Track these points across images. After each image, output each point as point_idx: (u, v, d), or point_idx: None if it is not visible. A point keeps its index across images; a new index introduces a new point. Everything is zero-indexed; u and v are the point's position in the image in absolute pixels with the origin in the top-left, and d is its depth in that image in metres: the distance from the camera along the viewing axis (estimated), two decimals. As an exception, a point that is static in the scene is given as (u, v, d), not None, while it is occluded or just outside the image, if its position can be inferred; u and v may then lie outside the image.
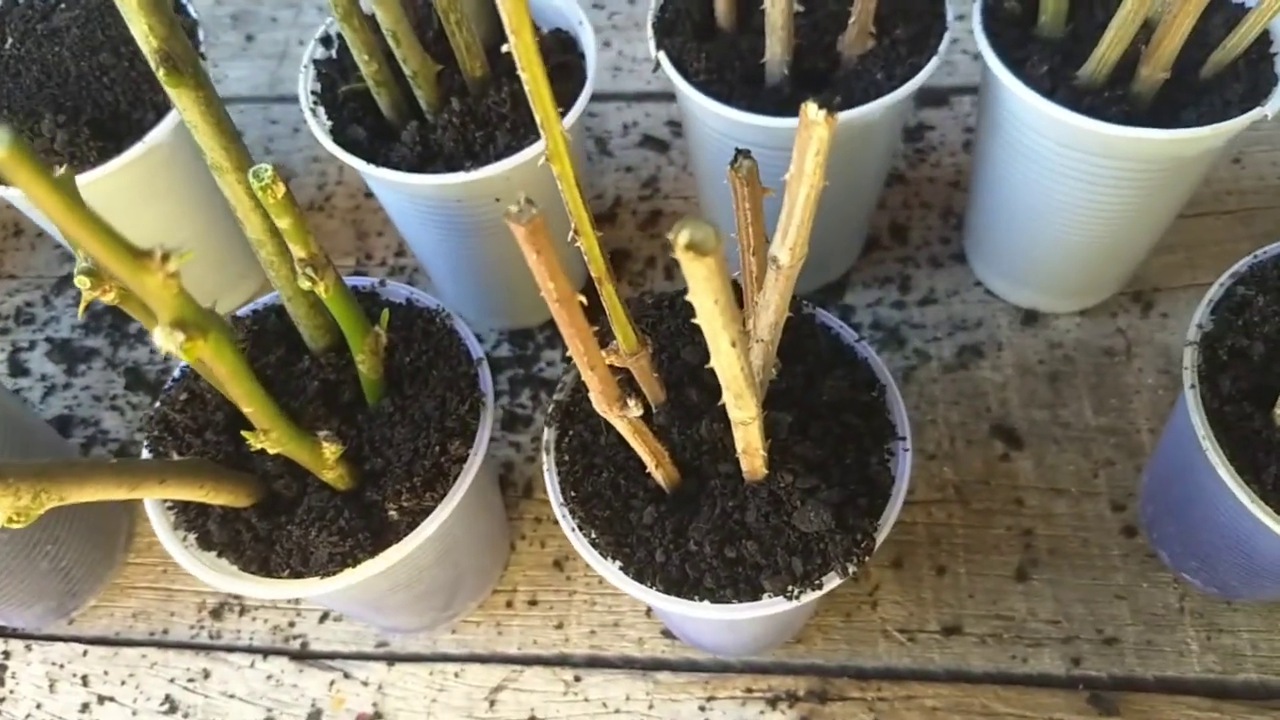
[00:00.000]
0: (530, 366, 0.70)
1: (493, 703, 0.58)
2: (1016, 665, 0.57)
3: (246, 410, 0.36)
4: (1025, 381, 0.66)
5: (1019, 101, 0.53)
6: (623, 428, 0.40)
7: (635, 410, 0.39)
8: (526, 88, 0.33)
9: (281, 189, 0.37)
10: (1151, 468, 0.60)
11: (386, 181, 0.54)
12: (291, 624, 0.63)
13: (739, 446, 0.41)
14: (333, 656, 0.61)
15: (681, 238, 0.27)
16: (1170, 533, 0.58)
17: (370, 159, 0.54)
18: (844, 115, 0.53)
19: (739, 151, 0.35)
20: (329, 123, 0.57)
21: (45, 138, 0.58)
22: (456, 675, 0.60)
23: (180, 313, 0.29)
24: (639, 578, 0.43)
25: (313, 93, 0.58)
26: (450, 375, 0.48)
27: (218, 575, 0.46)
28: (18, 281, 0.79)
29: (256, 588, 0.45)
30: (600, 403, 0.38)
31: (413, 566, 0.49)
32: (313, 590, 0.45)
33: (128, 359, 0.74)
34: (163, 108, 0.60)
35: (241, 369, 0.34)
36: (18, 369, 0.74)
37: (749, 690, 0.58)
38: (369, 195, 0.79)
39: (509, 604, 0.62)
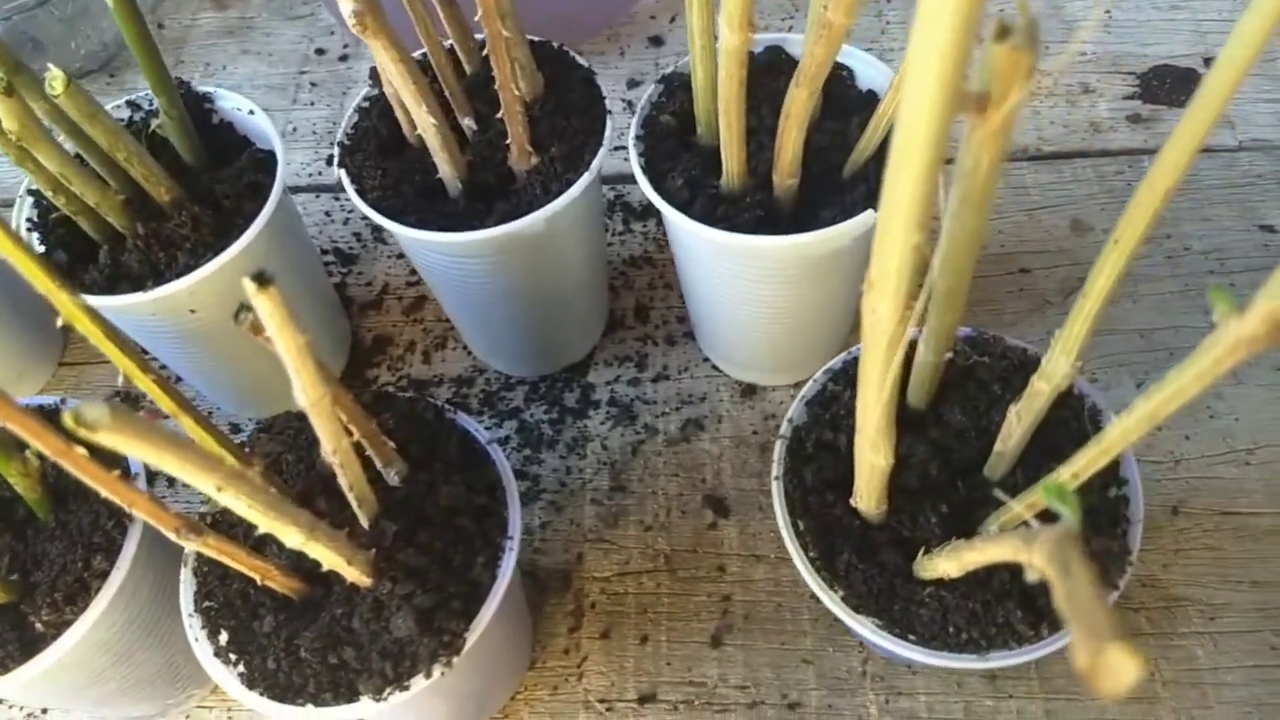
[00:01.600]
0: (290, 452, 0.74)
1: (216, 783, 0.62)
2: (703, 731, 0.61)
3: None
4: (739, 452, 0.70)
5: (662, 212, 0.57)
6: (204, 551, 0.44)
7: (203, 534, 0.43)
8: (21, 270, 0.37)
9: None
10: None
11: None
12: (45, 710, 0.66)
13: (324, 564, 0.45)
14: (77, 742, 0.65)
15: (68, 419, 0.31)
16: (842, 601, 0.61)
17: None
18: (509, 227, 0.57)
19: (241, 305, 0.39)
20: (41, 248, 0.61)
21: None
22: (186, 758, 0.63)
23: None
24: (250, 685, 0.47)
25: (29, 219, 0.62)
26: (107, 492, 0.52)
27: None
28: None
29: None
30: (167, 532, 0.42)
31: (86, 670, 0.52)
32: (-31, 700, 0.49)
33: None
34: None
35: None
36: None
37: (452, 764, 0.61)
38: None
39: (242, 686, 0.65)
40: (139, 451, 0.33)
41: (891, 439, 0.43)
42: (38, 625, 0.49)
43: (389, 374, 0.76)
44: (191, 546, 0.43)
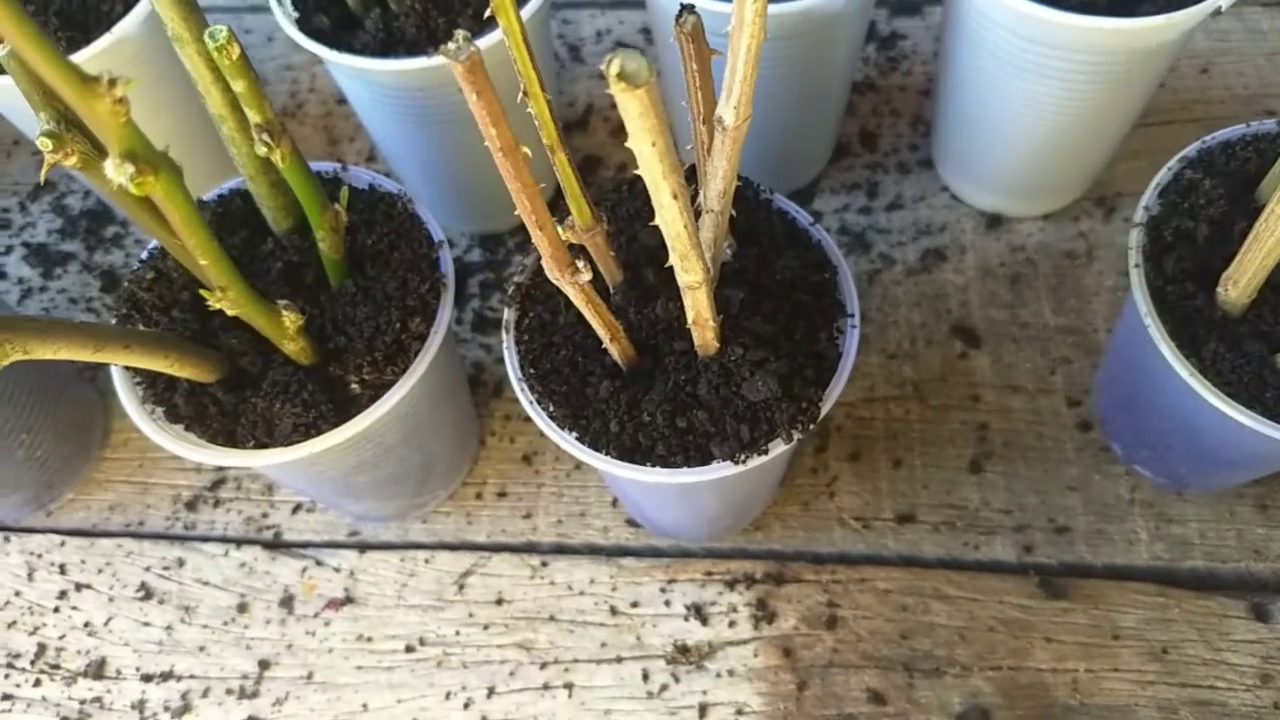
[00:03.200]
0: (501, 271, 0.71)
1: (461, 586, 0.60)
2: (968, 552, 0.59)
3: (202, 262, 0.37)
4: (986, 283, 0.67)
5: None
6: (574, 294, 0.41)
7: (585, 275, 0.40)
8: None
9: (237, 50, 0.38)
10: (1105, 361, 0.62)
11: (350, 69, 0.54)
12: (265, 515, 0.64)
13: (689, 316, 0.42)
14: (305, 545, 0.63)
15: (613, 68, 0.28)
16: (1122, 424, 0.59)
17: (334, 47, 0.54)
18: (807, 3, 0.54)
19: (684, 6, 0.36)
20: (295, 14, 0.57)
21: (11, 28, 0.58)
22: (426, 562, 0.61)
23: (131, 144, 0.30)
24: (594, 446, 0.45)
25: (279, -17, 0.58)
26: (411, 257, 0.49)
27: (186, 445, 0.47)
28: (-7, 188, 0.80)
29: (223, 456, 0.47)
30: (551, 267, 0.39)
31: (378, 445, 0.50)
32: (277, 459, 0.46)
33: (103, 263, 0.75)
34: (132, 0, 0.60)
35: (195, 217, 0.34)
36: (-6, 273, 0.75)
37: (708, 574, 0.59)
38: (340, 102, 0.80)
39: (478, 495, 0.63)
40: (643, 128, 0.30)
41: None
42: (354, 387, 0.46)
43: (602, 195, 0.73)
44: (573, 292, 0.40)
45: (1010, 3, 0.52)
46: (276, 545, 0.63)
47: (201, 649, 0.60)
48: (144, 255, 0.51)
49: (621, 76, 0.28)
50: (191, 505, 0.65)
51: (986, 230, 0.69)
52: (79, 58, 0.57)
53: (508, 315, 0.48)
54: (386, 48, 0.54)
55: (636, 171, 0.33)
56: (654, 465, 0.44)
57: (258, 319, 0.42)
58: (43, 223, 0.77)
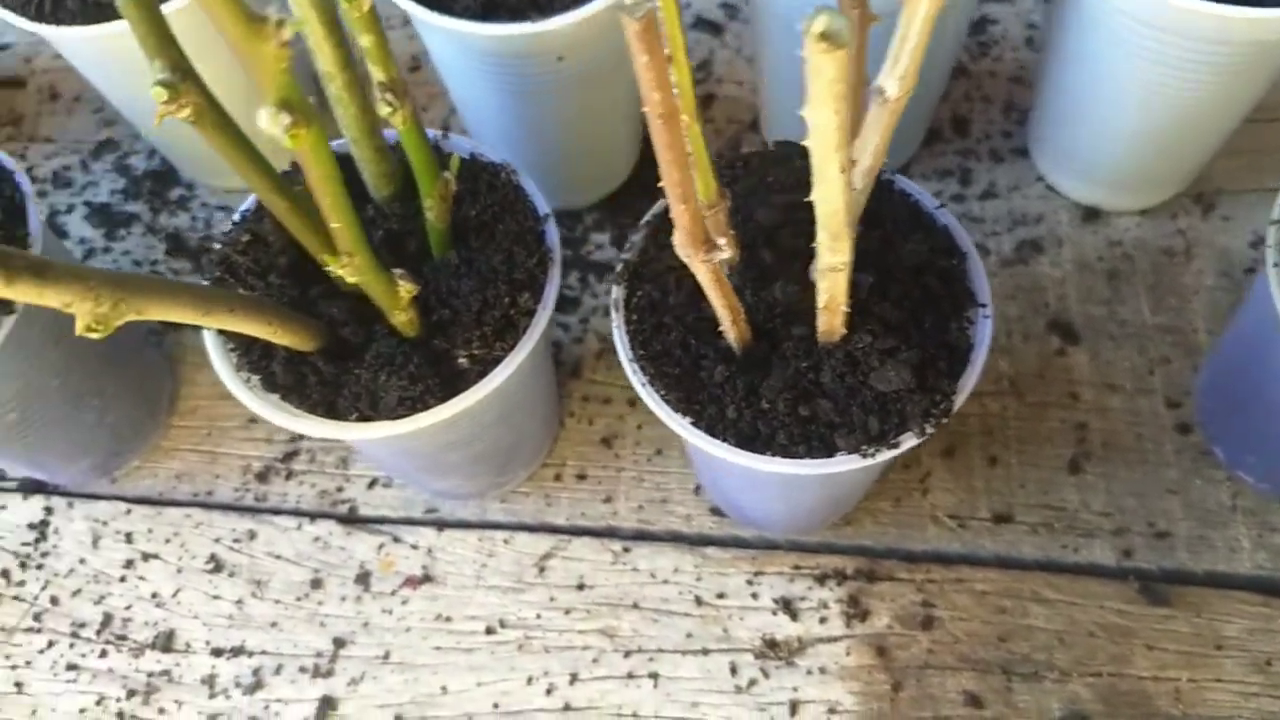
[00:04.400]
0: (578, 249, 0.69)
1: (542, 569, 0.59)
2: (1067, 554, 0.57)
3: (334, 225, 0.35)
4: (1084, 278, 0.65)
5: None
6: (704, 273, 0.39)
7: (725, 252, 0.38)
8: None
9: (368, 2, 0.36)
10: (1212, 363, 0.60)
11: (446, 31, 0.52)
12: (340, 489, 0.63)
13: (821, 301, 0.40)
14: (381, 521, 0.61)
15: (816, 25, 0.26)
16: (1229, 428, 0.57)
17: (432, 8, 0.52)
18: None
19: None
20: (393, -27, 0.55)
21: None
22: (505, 542, 0.60)
23: (288, 92, 0.28)
24: (711, 432, 0.43)
25: (375, -59, 0.56)
26: (517, 230, 0.47)
27: (284, 415, 0.45)
28: (54, 145, 0.78)
29: (323, 428, 0.45)
30: (686, 243, 0.37)
31: (476, 421, 0.48)
32: (382, 432, 0.44)
33: (169, 225, 0.73)
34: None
35: (336, 174, 0.33)
36: (56, 231, 0.73)
37: (797, 567, 0.58)
38: (414, 69, 0.78)
39: (558, 477, 0.62)
40: (829, 96, 0.28)
41: None
42: (461, 361, 0.45)
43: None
44: (705, 271, 0.38)
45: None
46: (352, 520, 0.62)
47: (274, 625, 0.59)
48: (236, 217, 0.49)
49: (825, 36, 0.25)
50: (262, 476, 0.64)
51: (1083, 223, 0.67)
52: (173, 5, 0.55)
53: (616, 293, 0.46)
54: (488, 11, 0.52)
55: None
56: (774, 454, 0.42)
57: (376, 287, 0.40)
58: (105, 182, 0.76)
